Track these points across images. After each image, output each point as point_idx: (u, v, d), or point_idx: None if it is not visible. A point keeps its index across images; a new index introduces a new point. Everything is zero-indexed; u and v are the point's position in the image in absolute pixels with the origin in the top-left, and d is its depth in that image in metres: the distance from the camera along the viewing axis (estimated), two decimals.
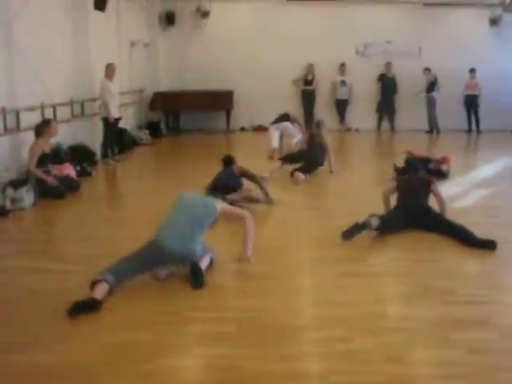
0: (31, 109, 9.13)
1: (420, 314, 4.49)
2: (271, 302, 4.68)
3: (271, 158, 11.27)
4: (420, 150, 10.92)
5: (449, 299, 4.76)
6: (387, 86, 16.53)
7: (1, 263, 5.72)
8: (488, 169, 10.88)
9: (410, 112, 16.52)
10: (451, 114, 16.39)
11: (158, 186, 9.48)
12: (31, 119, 8.97)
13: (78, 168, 9.84)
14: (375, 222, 6.29)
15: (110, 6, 12.02)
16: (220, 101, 16.04)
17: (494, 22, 16.88)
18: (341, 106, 16.82)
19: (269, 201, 7.85)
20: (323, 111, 16.56)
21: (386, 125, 16.81)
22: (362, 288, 4.99)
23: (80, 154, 10.43)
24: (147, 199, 8.46)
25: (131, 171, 11.20)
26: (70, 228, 7.13)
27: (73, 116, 10.77)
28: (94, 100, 11.36)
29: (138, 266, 4.96)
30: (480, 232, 6.38)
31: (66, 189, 8.51)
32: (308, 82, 16.57)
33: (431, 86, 16.17)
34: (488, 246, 5.99)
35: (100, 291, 4.62)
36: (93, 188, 9.38)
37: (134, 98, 14.61)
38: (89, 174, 10.02)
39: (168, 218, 5.23)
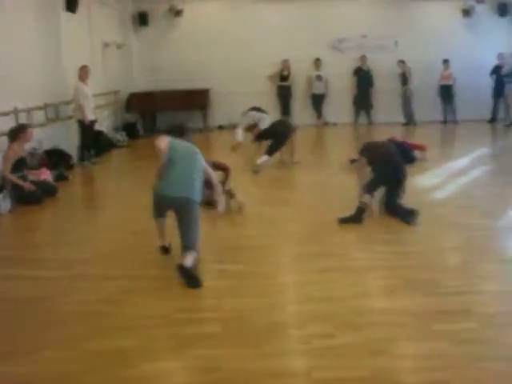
0: (5, 114, 9.00)
1: (403, 306, 4.50)
2: (255, 301, 4.66)
3: (234, 150, 10.85)
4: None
5: (431, 291, 4.77)
6: (363, 79, 16.57)
7: None
8: (465, 159, 10.95)
9: (386, 105, 16.58)
10: (427, 105, 16.48)
11: (136, 187, 9.40)
12: (5, 124, 8.83)
13: (55, 172, 9.74)
14: (368, 199, 6.81)
15: (81, 7, 11.89)
16: (196, 99, 15.97)
17: (466, 13, 17.00)
18: (317, 101, 16.83)
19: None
20: (300, 106, 16.60)
21: (363, 118, 16.85)
22: (344, 283, 4.98)
23: (56, 158, 10.33)
24: (125, 201, 8.40)
25: (109, 174, 11.11)
26: (48, 233, 7.05)
27: (47, 120, 10.63)
28: (68, 103, 11.24)
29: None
30: (456, 221, 6.45)
31: (43, 194, 8.41)
32: (284, 77, 16.56)
33: (406, 78, 16.27)
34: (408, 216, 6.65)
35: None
36: (70, 192, 9.28)
37: (110, 99, 14.49)
38: (66, 178, 9.92)
39: (173, 173, 5.39)
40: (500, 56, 16.12)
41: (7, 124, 8.84)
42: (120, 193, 9.15)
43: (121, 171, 11.43)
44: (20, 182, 8.22)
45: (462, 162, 10.70)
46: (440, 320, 4.25)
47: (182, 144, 5.62)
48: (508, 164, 10.73)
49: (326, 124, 16.85)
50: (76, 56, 11.45)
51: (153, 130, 16.09)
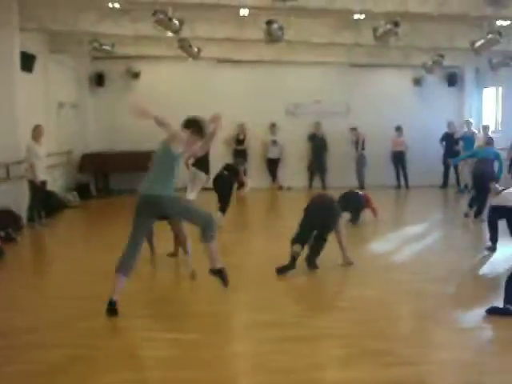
0: None
1: (357, 378, 4.36)
2: (206, 373, 4.45)
3: None
4: None
5: (385, 360, 4.66)
6: (317, 144, 16.82)
7: None
8: (418, 224, 11.07)
9: (340, 169, 16.80)
10: (380, 170, 16.77)
11: (87, 250, 9.17)
12: None
13: (3, 234, 9.42)
14: (297, 248, 7.19)
15: (37, 67, 11.84)
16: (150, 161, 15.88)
17: (417, 82, 17.60)
18: (272, 165, 16.97)
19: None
20: (255, 170, 16.65)
21: (317, 183, 17.00)
22: (298, 353, 4.82)
23: (5, 219, 10.01)
24: (76, 265, 8.11)
25: (59, 236, 10.81)
26: None
27: None
28: (20, 162, 11.00)
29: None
30: (411, 287, 6.43)
31: None
32: (240, 141, 16.69)
33: (359, 144, 16.60)
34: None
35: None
36: (18, 255, 8.96)
37: (62, 159, 14.30)
38: (14, 240, 9.59)
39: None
40: (450, 124, 16.62)
41: None
42: (70, 256, 8.83)
43: (71, 233, 11.15)
44: None
45: (415, 227, 10.80)
46: None
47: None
48: (459, 230, 10.88)
49: (281, 188, 16.93)
50: (30, 115, 11.30)
51: (106, 191, 15.89)
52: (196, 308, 5.98)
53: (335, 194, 8.66)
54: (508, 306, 5.65)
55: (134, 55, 15.55)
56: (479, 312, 5.70)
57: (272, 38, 11.03)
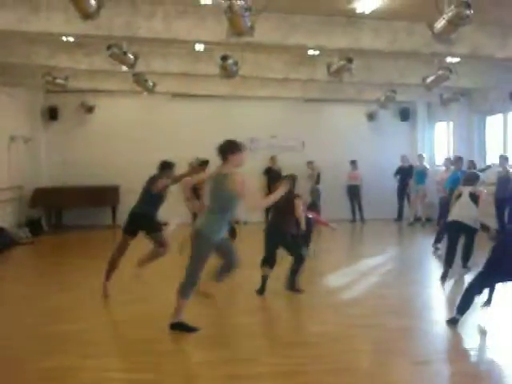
0: None
1: None
2: None
3: None
4: None
5: None
6: (273, 178, 16.82)
7: None
8: (374, 257, 11.11)
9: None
10: (336, 204, 16.86)
11: (38, 289, 8.87)
12: None
13: None
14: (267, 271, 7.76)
15: None
16: (105, 196, 15.69)
17: (371, 117, 17.89)
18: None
19: None
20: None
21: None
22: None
23: None
24: (27, 304, 7.82)
25: (9, 274, 10.44)
26: None
27: None
28: None
29: None
30: (368, 321, 6.40)
31: None
32: None
33: (315, 178, 16.71)
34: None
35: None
36: None
37: (13, 194, 13.96)
38: None
39: None
40: (403, 158, 16.91)
41: None
42: (20, 295, 8.50)
43: (22, 271, 10.80)
44: None
45: (370, 260, 10.84)
46: None
47: None
48: (414, 262, 10.97)
49: (237, 222, 16.82)
50: None
51: (58, 227, 15.56)
52: (150, 346, 5.81)
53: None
54: (458, 316, 6.25)
55: (88, 89, 15.41)
56: (435, 344, 5.69)
57: (227, 73, 11.07)
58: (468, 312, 6.41)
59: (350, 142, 17.29)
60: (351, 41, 9.56)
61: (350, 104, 17.58)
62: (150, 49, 11.41)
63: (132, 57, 10.12)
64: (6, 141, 13.45)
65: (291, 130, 17.18)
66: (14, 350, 5.80)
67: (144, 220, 7.99)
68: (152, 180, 8.03)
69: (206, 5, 8.67)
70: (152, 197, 7.99)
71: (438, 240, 11.42)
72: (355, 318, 6.85)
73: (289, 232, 7.90)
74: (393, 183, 17.03)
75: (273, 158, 16.97)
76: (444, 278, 8.73)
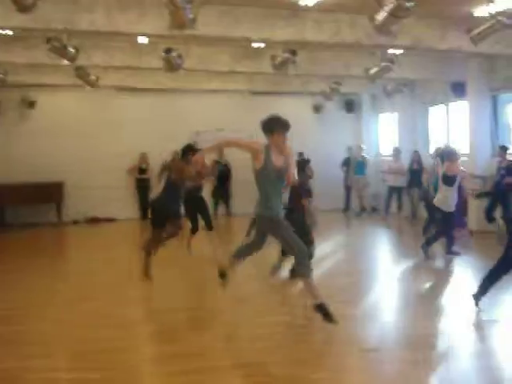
0: None
1: None
2: None
3: None
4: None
5: None
6: (221, 172, 16.79)
7: None
8: (321, 248, 11.17)
9: (245, 196, 16.81)
10: (283, 196, 16.92)
11: None
12: None
13: None
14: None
15: None
16: (49, 193, 15.38)
17: (317, 109, 18.03)
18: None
19: None
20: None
21: (222, 209, 16.98)
22: None
23: None
24: None
25: None
26: None
27: None
28: None
29: None
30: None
31: None
32: (142, 170, 16.44)
33: None
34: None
35: None
36: None
37: None
38: None
39: None
40: (349, 149, 17.13)
41: None
42: None
43: None
44: None
45: (319, 251, 10.89)
46: None
47: None
48: (362, 252, 11.10)
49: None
50: None
51: (1, 225, 15.18)
52: (98, 345, 5.71)
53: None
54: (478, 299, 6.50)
55: (29, 83, 15.01)
56: (383, 332, 5.77)
57: (171, 66, 10.97)
58: (418, 300, 6.53)
59: (297, 134, 17.04)
60: (295, 33, 9.59)
61: (297, 96, 17.68)
62: (91, 42, 11.20)
63: (73, 50, 9.92)
64: None
65: (238, 122, 17.12)
66: None
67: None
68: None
69: None
70: None
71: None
72: (305, 308, 6.89)
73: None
74: (340, 174, 17.23)
75: (220, 152, 16.90)
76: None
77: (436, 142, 15.54)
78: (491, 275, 6.50)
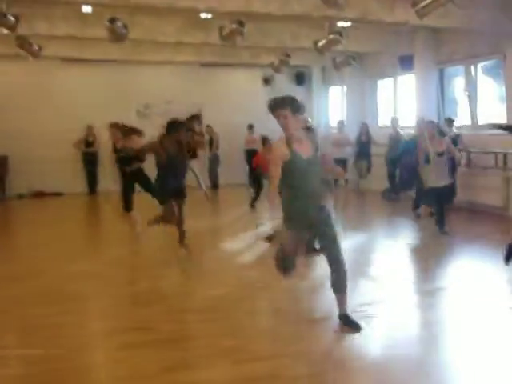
0: None
1: (211, 377, 4.29)
2: None
3: None
4: (203, 209, 11.05)
5: (238, 357, 4.62)
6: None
7: None
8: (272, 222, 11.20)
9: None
10: (233, 169, 16.92)
11: None
12: None
13: None
14: None
15: None
16: None
17: (266, 81, 17.96)
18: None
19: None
20: (106, 173, 16.14)
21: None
22: (148, 358, 4.65)
23: None
24: None
25: None
26: None
27: None
28: None
29: None
30: (264, 283, 6.48)
31: None
32: (89, 143, 16.14)
33: (213, 143, 16.68)
34: None
35: None
36: None
37: None
38: None
39: None
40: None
41: None
42: None
43: None
44: None
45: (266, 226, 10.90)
46: None
47: None
48: None
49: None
50: None
51: None
52: (43, 321, 5.61)
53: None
54: None
55: None
56: (328, 302, 5.81)
57: (116, 36, 10.71)
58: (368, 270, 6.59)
59: (247, 106, 17.28)
60: (242, 4, 9.49)
61: (246, 68, 17.59)
62: (32, 10, 10.81)
63: (12, 18, 9.56)
64: None
65: (187, 95, 16.97)
66: None
67: None
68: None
69: None
70: None
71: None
72: (249, 279, 6.91)
73: None
74: None
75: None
76: None
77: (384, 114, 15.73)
78: None
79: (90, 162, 16.16)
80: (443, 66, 13.43)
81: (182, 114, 16.78)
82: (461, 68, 13.03)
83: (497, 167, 11.26)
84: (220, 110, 17.00)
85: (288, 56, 15.13)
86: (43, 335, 5.23)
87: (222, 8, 9.51)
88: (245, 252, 8.59)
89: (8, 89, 15.61)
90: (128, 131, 8.94)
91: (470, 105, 12.66)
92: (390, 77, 15.57)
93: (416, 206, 10.90)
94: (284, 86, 18.10)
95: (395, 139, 13.67)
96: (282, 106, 5.10)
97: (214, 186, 16.66)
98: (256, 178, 12.31)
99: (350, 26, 11.90)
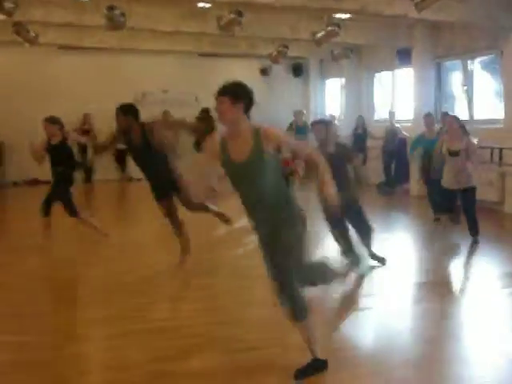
0: None
1: (205, 366, 4.30)
2: (44, 376, 4.16)
3: None
4: None
5: (233, 347, 4.64)
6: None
7: None
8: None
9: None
10: None
11: None
12: None
13: None
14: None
15: None
16: None
17: (264, 71, 17.93)
18: (121, 156, 16.48)
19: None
20: (103, 161, 16.11)
21: None
22: (140, 347, 4.66)
23: None
24: None
25: None
26: None
27: None
28: None
29: None
30: (257, 273, 6.47)
31: None
32: (85, 131, 16.06)
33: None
34: None
35: None
36: None
37: None
38: None
39: None
40: (296, 113, 17.04)
41: None
42: None
43: None
44: None
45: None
46: (243, 376, 4.12)
47: None
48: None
49: (130, 179, 16.51)
50: None
51: None
52: (24, 309, 5.60)
53: None
54: None
55: None
56: (322, 293, 5.82)
57: (114, 24, 10.63)
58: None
59: None
60: None
61: (244, 59, 17.52)
62: None
63: (10, 4, 9.49)
64: None
65: (184, 84, 16.93)
66: None
67: None
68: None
69: None
70: None
71: None
72: (246, 270, 6.89)
73: None
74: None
75: (165, 113, 16.60)
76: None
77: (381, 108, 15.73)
78: None
79: (86, 150, 16.07)
80: (441, 60, 13.42)
81: (178, 102, 16.91)
82: (458, 63, 13.03)
83: (492, 162, 11.27)
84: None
85: (286, 47, 15.07)
86: (32, 322, 5.25)
87: None
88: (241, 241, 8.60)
89: (3, 75, 15.51)
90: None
91: (467, 99, 12.67)
92: (387, 70, 15.55)
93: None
94: (281, 77, 18.11)
95: (392, 132, 13.69)
96: (222, 92, 4.24)
97: None
98: None
99: (348, 19, 11.85)
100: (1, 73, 15.56)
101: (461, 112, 12.70)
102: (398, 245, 8.74)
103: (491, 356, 4.46)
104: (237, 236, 8.86)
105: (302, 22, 12.84)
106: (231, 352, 4.55)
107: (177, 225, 7.00)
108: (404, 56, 13.91)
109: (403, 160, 13.06)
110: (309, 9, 10.30)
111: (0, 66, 15.65)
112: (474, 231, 8.14)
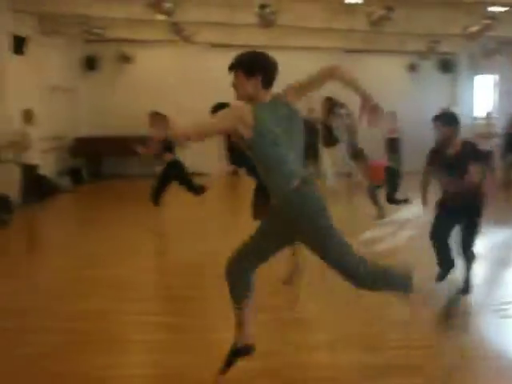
0: None
1: (344, 362, 4.37)
2: (195, 357, 4.41)
3: None
4: None
5: (374, 345, 4.66)
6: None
7: None
8: (410, 210, 11.01)
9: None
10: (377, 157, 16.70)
11: (79, 235, 9.15)
12: None
13: None
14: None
15: (29, 49, 11.71)
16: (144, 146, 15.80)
17: (411, 68, 17.56)
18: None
19: None
20: None
21: None
22: (282, 337, 4.81)
23: None
24: (67, 250, 8.08)
25: (51, 220, 10.69)
26: None
27: None
28: (10, 146, 10.87)
29: None
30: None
31: None
32: None
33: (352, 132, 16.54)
34: None
35: None
36: (8, 238, 8.93)
37: (55, 143, 14.18)
38: (5, 223, 9.54)
39: None
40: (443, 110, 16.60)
41: None
42: (61, 241, 8.81)
43: (64, 218, 11.11)
44: None
45: (407, 213, 10.73)
46: (387, 375, 4.15)
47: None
48: None
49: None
50: (22, 99, 11.21)
51: (97, 176, 15.83)
52: (182, 292, 5.95)
53: None
54: None
55: (126, 39, 15.37)
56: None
57: (265, 22, 10.93)
58: None
59: (390, 93, 16.95)
60: None
61: (391, 55, 17.26)
62: None
63: (169, 6, 10.05)
64: (47, 90, 13.55)
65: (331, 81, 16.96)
66: (53, 291, 6.04)
67: None
68: None
69: None
70: None
71: None
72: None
73: None
74: (432, 135, 16.75)
75: (310, 110, 16.80)
76: None
77: None
78: None
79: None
80: None
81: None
82: None
83: None
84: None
85: (436, 43, 14.68)
86: (183, 306, 5.58)
87: None
88: (386, 238, 8.54)
89: (161, 72, 16.38)
90: None
91: None
92: None
93: None
94: (429, 73, 17.63)
95: None
96: (234, 65, 3.94)
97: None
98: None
99: (503, 12, 11.32)
100: (157, 70, 16.46)
101: None
102: None
103: None
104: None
105: (453, 17, 12.44)
106: (375, 350, 4.58)
107: None
108: None
109: None
110: (461, 3, 10.00)
111: (157, 64, 16.55)
112: None
